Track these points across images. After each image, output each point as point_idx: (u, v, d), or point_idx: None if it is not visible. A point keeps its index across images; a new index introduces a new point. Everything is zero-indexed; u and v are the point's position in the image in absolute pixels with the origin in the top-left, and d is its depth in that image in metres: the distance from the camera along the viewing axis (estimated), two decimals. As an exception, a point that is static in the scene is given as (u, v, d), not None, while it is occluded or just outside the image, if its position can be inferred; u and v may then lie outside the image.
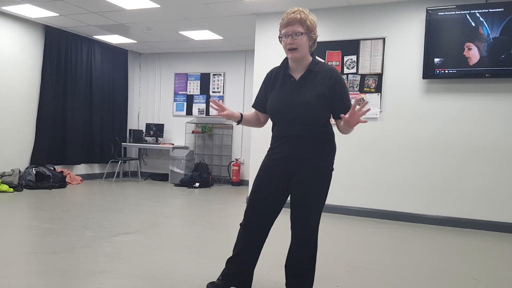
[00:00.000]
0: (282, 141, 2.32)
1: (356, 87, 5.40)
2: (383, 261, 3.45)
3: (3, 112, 6.64)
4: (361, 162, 5.37)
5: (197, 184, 7.61)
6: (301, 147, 2.27)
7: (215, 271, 2.96)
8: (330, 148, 2.32)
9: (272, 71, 2.47)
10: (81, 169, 8.00)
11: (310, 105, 2.22)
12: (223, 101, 8.57)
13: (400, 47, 5.21)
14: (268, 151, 2.41)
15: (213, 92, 8.63)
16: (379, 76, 5.30)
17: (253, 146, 5.95)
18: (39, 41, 7.14)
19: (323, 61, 2.35)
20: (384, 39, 5.28)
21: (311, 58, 2.30)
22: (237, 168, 8.17)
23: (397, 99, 5.23)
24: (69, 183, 7.18)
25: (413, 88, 5.15)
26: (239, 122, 2.48)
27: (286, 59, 2.36)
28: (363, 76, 5.37)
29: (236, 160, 8.26)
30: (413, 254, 3.74)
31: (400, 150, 5.20)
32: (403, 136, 5.19)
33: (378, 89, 5.30)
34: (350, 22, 5.45)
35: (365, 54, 5.36)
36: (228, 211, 5.49)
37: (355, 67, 5.40)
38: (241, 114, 2.48)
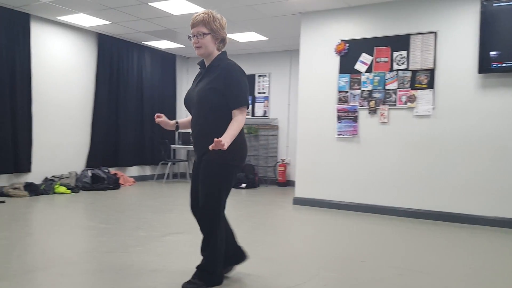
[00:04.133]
0: (192, 135, 2.63)
1: (407, 83, 5.22)
2: (436, 264, 3.31)
3: (61, 117, 7.00)
4: (412, 162, 5.18)
5: (243, 185, 7.66)
6: (200, 142, 2.51)
7: (263, 271, 2.97)
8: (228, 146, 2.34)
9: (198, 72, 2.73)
10: (133, 171, 8.30)
11: (200, 95, 2.46)
12: (268, 101, 8.57)
13: (453, 41, 4.98)
14: None
15: (258, 93, 8.67)
16: (431, 71, 5.09)
17: (299, 146, 5.91)
18: (93, 48, 7.48)
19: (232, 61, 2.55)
20: (435, 33, 5.07)
21: (217, 54, 2.53)
22: (283, 168, 8.14)
23: (451, 95, 5.00)
24: (123, 184, 7.46)
25: (468, 83, 4.91)
26: (177, 129, 2.80)
27: (203, 59, 2.61)
28: (414, 72, 5.18)
29: (282, 160, 8.24)
30: (469, 257, 3.55)
31: (455, 148, 4.96)
32: (458, 134, 4.95)
33: (431, 85, 5.09)
34: (399, 17, 5.28)
35: (416, 49, 5.17)
36: (275, 212, 5.49)
37: (406, 62, 5.22)
38: (177, 122, 2.78)
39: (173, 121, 2.78)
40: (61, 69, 7.00)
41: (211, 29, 2.45)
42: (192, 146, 3.22)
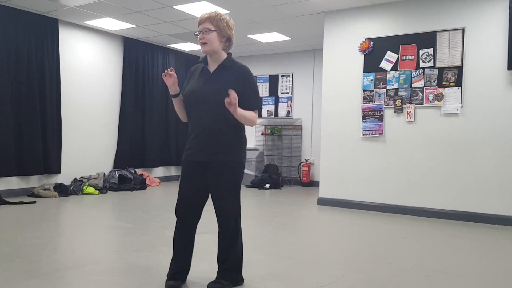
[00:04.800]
0: (195, 135, 2.52)
1: (434, 81, 5.11)
2: (465, 265, 3.23)
3: (89, 120, 7.17)
4: (440, 162, 5.07)
5: (267, 185, 7.66)
6: (211, 141, 2.46)
7: (287, 272, 2.96)
8: (239, 142, 2.51)
9: (195, 67, 2.70)
10: (159, 171, 8.42)
11: (218, 94, 2.41)
12: (291, 102, 8.55)
13: (482, 37, 4.85)
14: (185, 146, 2.60)
15: (281, 93, 8.66)
16: (459, 68, 4.97)
17: (323, 146, 5.86)
18: (119, 51, 7.63)
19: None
20: (463, 29, 4.95)
21: (226, 56, 2.56)
22: (307, 169, 8.10)
23: (479, 92, 4.87)
24: (149, 185, 7.58)
25: (497, 80, 4.77)
26: (175, 96, 2.61)
27: (206, 56, 2.60)
28: (441, 70, 5.07)
29: (306, 160, 8.20)
30: (498, 258, 3.45)
31: (485, 147, 4.83)
32: (487, 133, 4.82)
33: (458, 82, 4.97)
34: (425, 13, 5.18)
35: (443, 47, 5.06)
36: (299, 212, 5.46)
37: (432, 60, 5.12)
38: (180, 92, 2.64)
39: (179, 89, 2.61)
40: (89, 72, 7.16)
41: (217, 27, 2.47)
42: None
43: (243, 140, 2.58)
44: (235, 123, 2.47)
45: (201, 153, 2.50)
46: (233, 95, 2.29)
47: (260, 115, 2.59)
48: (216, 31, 2.47)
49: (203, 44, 2.48)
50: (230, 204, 2.54)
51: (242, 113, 2.40)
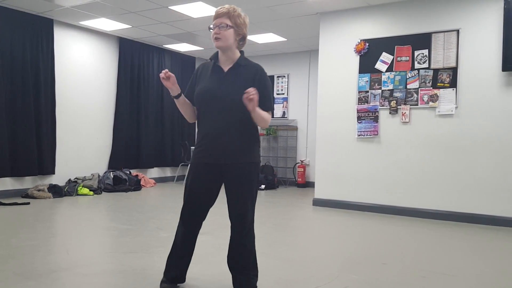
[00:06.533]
0: (210, 136, 2.38)
1: (429, 82, 5.13)
2: (460, 266, 3.24)
3: (84, 120, 7.14)
4: (435, 162, 5.09)
5: (262, 186, 7.66)
6: (229, 143, 2.35)
7: (283, 273, 2.96)
8: (256, 142, 2.45)
9: (203, 65, 2.56)
10: (154, 172, 8.39)
11: (235, 94, 2.30)
12: (287, 102, 8.56)
13: (476, 38, 4.88)
14: (196, 147, 2.48)
15: (277, 94, 8.66)
16: (454, 70, 4.99)
17: (318, 147, 5.87)
18: (114, 52, 7.60)
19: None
20: (458, 31, 4.97)
21: (239, 54, 2.44)
22: (302, 169, 8.11)
23: (474, 93, 4.90)
24: (144, 186, 7.55)
25: (491, 81, 4.79)
26: (177, 97, 2.45)
27: (216, 53, 2.48)
28: (436, 71, 5.09)
29: (301, 161, 8.21)
30: (493, 259, 3.47)
31: (479, 148, 4.86)
32: (482, 133, 4.84)
33: (453, 83, 4.99)
34: (420, 15, 5.20)
35: (438, 48, 5.08)
36: (295, 213, 5.46)
37: (427, 61, 5.14)
38: (181, 92, 2.48)
39: (180, 89, 2.46)
40: (84, 72, 7.13)
41: (235, 23, 2.34)
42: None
43: (259, 139, 2.48)
44: (251, 123, 2.37)
45: (218, 155, 2.36)
46: (253, 91, 2.18)
47: (272, 116, 2.51)
48: (233, 27, 2.34)
49: (217, 39, 2.34)
50: (250, 206, 2.44)
51: (259, 112, 2.29)
